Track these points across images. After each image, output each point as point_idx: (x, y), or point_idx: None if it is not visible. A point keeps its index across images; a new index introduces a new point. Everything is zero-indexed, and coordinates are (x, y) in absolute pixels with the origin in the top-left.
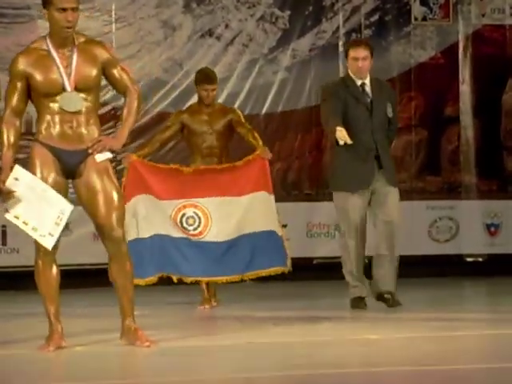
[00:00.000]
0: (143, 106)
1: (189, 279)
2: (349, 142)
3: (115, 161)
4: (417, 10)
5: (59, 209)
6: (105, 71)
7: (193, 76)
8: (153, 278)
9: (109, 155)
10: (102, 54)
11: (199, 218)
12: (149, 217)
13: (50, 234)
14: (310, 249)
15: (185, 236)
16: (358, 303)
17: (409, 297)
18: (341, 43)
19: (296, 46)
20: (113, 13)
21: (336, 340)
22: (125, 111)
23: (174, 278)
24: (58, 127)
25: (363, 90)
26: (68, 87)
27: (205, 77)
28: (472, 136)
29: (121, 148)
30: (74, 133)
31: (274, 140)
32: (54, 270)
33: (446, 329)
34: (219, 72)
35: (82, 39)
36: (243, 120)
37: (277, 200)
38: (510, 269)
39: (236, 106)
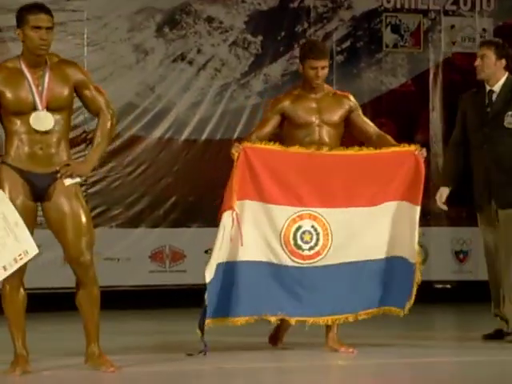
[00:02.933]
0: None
1: (293, 320)
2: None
3: (85, 184)
4: (388, 37)
5: (24, 248)
6: (77, 91)
7: (165, 100)
8: (248, 319)
9: (77, 180)
10: (75, 74)
11: (317, 235)
12: (254, 234)
13: (4, 267)
14: None
15: (295, 264)
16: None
17: (378, 323)
18: None
19: (268, 71)
20: (85, 36)
21: (305, 366)
22: (97, 134)
23: (273, 319)
24: (26, 149)
25: (490, 98)
26: (39, 106)
27: (312, 50)
28: (442, 163)
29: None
30: (44, 154)
31: None
32: (21, 293)
33: (415, 355)
34: (191, 96)
35: (56, 59)
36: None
37: None
38: (478, 296)
39: (208, 130)
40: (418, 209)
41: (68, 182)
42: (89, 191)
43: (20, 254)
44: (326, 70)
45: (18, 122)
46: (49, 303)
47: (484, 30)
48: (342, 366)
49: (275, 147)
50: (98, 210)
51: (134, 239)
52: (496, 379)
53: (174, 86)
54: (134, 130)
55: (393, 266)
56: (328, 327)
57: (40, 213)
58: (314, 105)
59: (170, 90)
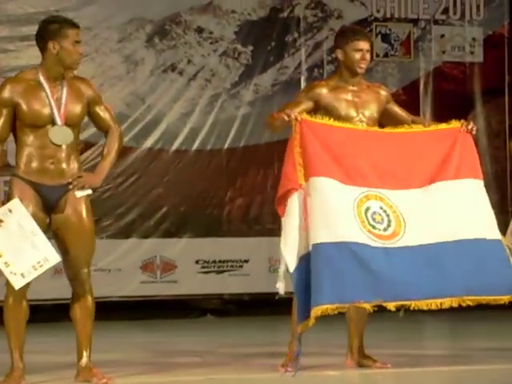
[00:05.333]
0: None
1: (391, 304)
2: None
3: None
4: (378, 46)
5: (44, 256)
6: (89, 108)
7: (155, 111)
8: (333, 308)
9: (88, 191)
10: (88, 91)
11: (387, 216)
12: (325, 212)
13: (22, 274)
14: (272, 284)
15: (378, 244)
16: None
17: (372, 332)
18: (303, 78)
19: (258, 81)
20: None
21: (296, 376)
22: (106, 149)
23: (368, 306)
24: (38, 163)
25: None
26: (58, 120)
27: (356, 32)
28: None
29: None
30: (55, 169)
31: (235, 175)
32: (24, 306)
33: (406, 365)
34: (181, 107)
35: (70, 75)
36: None
37: (238, 235)
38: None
39: (198, 140)
40: (482, 183)
41: (80, 193)
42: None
43: (39, 262)
44: (369, 56)
45: (32, 135)
46: (39, 315)
47: (474, 39)
48: (333, 376)
49: (331, 122)
50: None
51: (124, 250)
52: None
53: (165, 96)
54: (125, 141)
55: (484, 249)
56: (352, 341)
57: None
58: (352, 98)
59: (160, 100)
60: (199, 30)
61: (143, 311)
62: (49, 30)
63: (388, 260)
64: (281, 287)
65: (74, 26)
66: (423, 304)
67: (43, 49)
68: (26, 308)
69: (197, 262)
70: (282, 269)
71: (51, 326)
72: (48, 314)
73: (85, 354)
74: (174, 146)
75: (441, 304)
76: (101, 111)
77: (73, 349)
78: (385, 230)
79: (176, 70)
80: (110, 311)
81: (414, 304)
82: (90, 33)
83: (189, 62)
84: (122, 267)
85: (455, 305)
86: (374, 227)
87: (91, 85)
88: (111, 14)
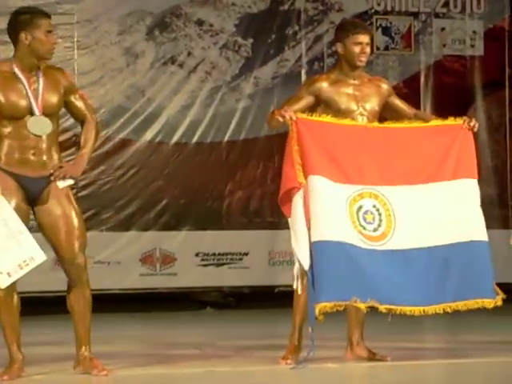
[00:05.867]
0: (105, 132)
1: (382, 307)
2: None
3: (75, 187)
4: (379, 39)
5: (30, 255)
6: (64, 98)
7: (155, 103)
8: (331, 306)
9: (70, 181)
10: (64, 81)
11: (379, 215)
12: (320, 212)
13: (8, 273)
14: (272, 277)
15: (368, 247)
16: None
17: (372, 325)
18: (303, 71)
19: (259, 73)
20: (75, 39)
21: (298, 369)
22: (83, 139)
23: (363, 307)
24: (19, 154)
25: None
26: (36, 111)
27: (356, 25)
28: None
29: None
30: (36, 160)
31: (235, 168)
32: (15, 298)
33: (407, 357)
34: (182, 99)
35: (44, 64)
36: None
37: (238, 228)
38: None
39: (198, 133)
40: (476, 182)
41: (61, 184)
42: (79, 194)
43: (25, 261)
44: (369, 49)
45: (11, 127)
46: (38, 307)
47: (474, 32)
48: (334, 369)
49: (328, 120)
50: (88, 214)
51: (124, 242)
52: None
53: (165, 89)
54: (125, 133)
55: (471, 250)
56: (352, 335)
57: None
58: (353, 91)
59: (160, 93)
60: (199, 23)
61: (143, 304)
62: (20, 20)
63: (376, 262)
64: (298, 287)
65: (46, 15)
66: (407, 310)
67: (15, 40)
68: (18, 300)
69: (196, 254)
70: (296, 267)
71: (52, 317)
72: (48, 305)
73: (84, 345)
74: (174, 139)
75: (424, 311)
76: (76, 100)
77: (73, 340)
78: (375, 230)
79: (176, 62)
80: (110, 304)
81: (399, 309)
82: (89, 25)
83: (189, 54)
84: (122, 260)
85: (439, 311)
86: (364, 228)
87: (66, 74)
88: (111, 6)
